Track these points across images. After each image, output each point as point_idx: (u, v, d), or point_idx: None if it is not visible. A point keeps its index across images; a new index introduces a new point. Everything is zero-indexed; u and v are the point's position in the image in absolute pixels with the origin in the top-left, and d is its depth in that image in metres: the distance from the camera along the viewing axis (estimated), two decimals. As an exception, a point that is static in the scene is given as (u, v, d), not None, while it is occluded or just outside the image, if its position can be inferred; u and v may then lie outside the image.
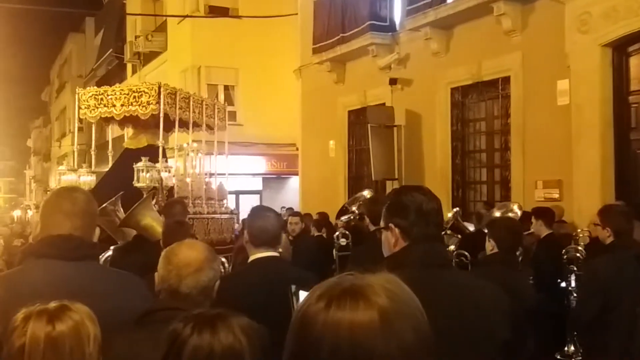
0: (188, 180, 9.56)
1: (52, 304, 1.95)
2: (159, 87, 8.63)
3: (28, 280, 2.46)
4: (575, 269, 6.10)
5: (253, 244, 3.63)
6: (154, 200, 8.02)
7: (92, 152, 10.14)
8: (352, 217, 8.78)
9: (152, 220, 5.92)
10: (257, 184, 21.59)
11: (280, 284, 2.89)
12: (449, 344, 2.20)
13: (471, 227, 8.46)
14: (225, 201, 10.74)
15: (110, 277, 2.73)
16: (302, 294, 3.14)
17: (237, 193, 19.66)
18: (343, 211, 9.70)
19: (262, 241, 3.59)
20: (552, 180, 9.29)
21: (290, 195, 19.76)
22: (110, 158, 10.39)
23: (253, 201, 20.00)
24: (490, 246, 4.49)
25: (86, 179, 9.53)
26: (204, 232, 9.18)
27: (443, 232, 7.33)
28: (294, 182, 19.74)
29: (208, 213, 9.58)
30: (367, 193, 9.27)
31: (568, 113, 8.92)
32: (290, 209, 13.87)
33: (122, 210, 6.50)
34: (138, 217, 6.00)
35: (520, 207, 7.30)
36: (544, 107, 9.38)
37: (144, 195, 7.36)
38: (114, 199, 6.64)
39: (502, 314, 2.43)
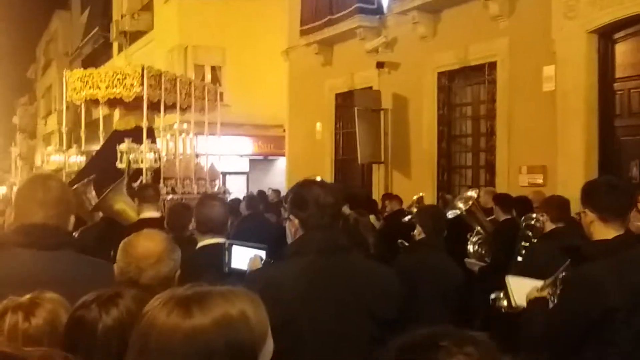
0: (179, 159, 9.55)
1: (26, 297, 1.96)
2: (142, 70, 8.59)
3: (1, 270, 2.45)
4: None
5: (200, 231, 3.92)
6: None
7: (82, 134, 10.08)
8: None
9: (125, 205, 5.92)
10: (244, 165, 21.55)
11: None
12: (330, 322, 2.55)
13: None
14: (217, 181, 10.74)
15: (85, 266, 2.68)
16: (235, 249, 3.28)
17: (224, 174, 19.59)
18: None
19: (208, 228, 3.86)
20: (536, 166, 9.35)
21: (277, 176, 19.75)
22: (101, 137, 10.31)
23: (240, 182, 20.00)
24: (418, 232, 5.00)
25: (76, 160, 9.46)
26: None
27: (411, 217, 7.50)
28: (280, 164, 19.72)
29: (198, 193, 9.53)
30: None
31: (553, 99, 8.96)
32: (277, 190, 13.87)
33: (93, 192, 6.51)
34: (111, 202, 6.00)
35: (474, 191, 7.49)
36: (530, 92, 9.42)
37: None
38: (85, 180, 6.65)
39: (380, 294, 2.68)
